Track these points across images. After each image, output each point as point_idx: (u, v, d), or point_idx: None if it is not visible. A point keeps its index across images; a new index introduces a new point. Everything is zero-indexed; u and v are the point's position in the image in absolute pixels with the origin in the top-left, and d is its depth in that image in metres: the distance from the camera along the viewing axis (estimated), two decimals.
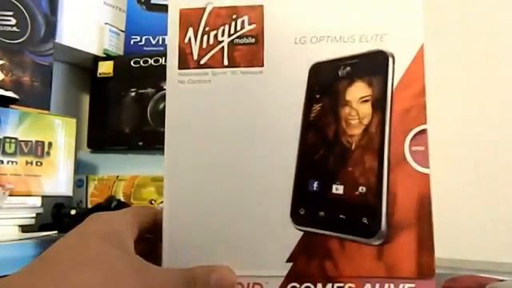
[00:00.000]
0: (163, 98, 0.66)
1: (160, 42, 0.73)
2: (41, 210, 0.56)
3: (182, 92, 0.31)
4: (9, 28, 0.60)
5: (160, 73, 0.67)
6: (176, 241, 0.30)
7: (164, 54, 0.68)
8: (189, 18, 0.31)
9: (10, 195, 0.52)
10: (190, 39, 0.31)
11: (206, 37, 0.31)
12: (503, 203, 0.58)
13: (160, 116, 0.66)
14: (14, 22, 0.60)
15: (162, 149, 0.72)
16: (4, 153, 0.53)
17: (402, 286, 0.28)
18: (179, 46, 0.31)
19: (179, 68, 0.31)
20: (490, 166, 0.60)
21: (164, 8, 0.74)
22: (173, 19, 0.31)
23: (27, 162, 0.54)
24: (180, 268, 0.28)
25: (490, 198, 0.59)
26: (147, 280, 0.26)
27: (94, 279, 0.24)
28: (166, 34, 0.71)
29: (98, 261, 0.25)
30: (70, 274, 0.24)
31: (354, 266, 0.29)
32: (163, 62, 0.68)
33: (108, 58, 0.72)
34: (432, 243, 0.29)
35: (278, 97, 0.30)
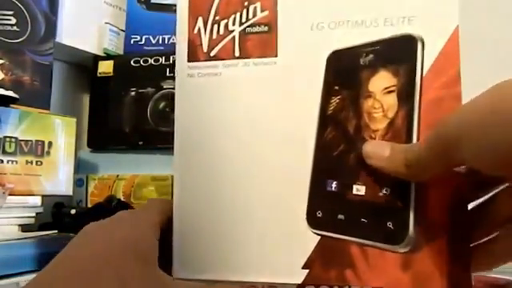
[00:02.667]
0: (163, 97, 0.66)
1: (160, 42, 0.72)
2: (41, 210, 0.55)
3: (191, 86, 0.29)
4: (9, 27, 0.59)
5: (160, 72, 0.67)
6: (186, 246, 0.28)
7: (164, 54, 0.68)
8: (198, 7, 0.30)
9: (10, 194, 0.51)
10: (199, 30, 0.29)
11: (216, 26, 0.29)
12: None
13: (160, 115, 0.66)
14: (14, 21, 0.60)
15: (163, 148, 0.71)
16: (4, 152, 0.52)
17: None
18: (188, 38, 0.29)
19: (188, 61, 0.29)
20: None
21: (164, 7, 0.74)
22: (182, 8, 0.30)
23: (27, 162, 0.54)
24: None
25: None
26: None
27: None
28: (166, 34, 0.72)
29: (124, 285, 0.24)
30: None
31: (376, 276, 0.25)
32: (163, 62, 0.68)
33: (108, 57, 0.72)
34: (468, 252, 0.25)
35: (293, 89, 0.28)
